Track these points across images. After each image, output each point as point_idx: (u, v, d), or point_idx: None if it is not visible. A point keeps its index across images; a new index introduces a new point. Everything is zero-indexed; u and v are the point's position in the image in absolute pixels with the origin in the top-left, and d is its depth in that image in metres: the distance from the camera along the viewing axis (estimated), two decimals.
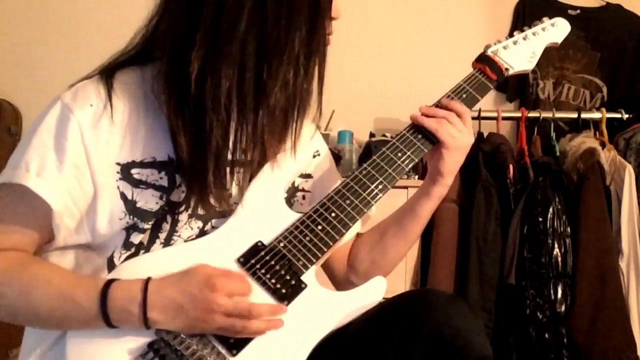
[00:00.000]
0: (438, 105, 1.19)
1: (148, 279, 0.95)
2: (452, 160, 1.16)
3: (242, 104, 1.01)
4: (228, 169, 1.05)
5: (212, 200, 1.03)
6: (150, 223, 1.03)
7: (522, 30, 1.36)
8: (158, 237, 1.04)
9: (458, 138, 1.15)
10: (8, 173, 0.99)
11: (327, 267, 1.27)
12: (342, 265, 1.27)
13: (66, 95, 1.01)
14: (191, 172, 1.02)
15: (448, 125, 1.14)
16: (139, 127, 1.03)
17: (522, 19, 2.78)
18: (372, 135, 2.59)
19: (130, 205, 1.01)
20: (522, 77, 2.73)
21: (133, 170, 1.02)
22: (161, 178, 1.03)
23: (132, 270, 0.99)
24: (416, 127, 1.18)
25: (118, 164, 1.01)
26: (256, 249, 1.05)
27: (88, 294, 0.94)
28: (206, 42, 0.98)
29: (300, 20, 1.02)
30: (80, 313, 0.94)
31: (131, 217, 1.01)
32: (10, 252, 0.98)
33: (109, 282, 0.95)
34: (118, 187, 1.01)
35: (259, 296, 1.00)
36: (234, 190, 1.09)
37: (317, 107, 1.11)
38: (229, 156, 1.04)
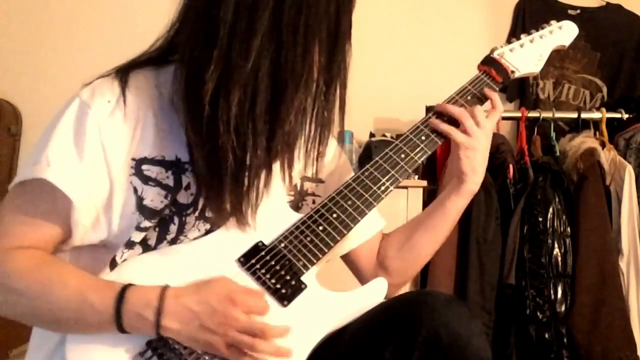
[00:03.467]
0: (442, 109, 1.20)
1: (166, 286, 0.95)
2: (470, 160, 1.17)
3: (254, 128, 0.99)
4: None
5: (228, 210, 1.03)
6: (153, 221, 1.02)
7: (529, 33, 1.35)
8: (165, 239, 1.04)
9: (472, 138, 1.15)
10: (28, 169, 0.99)
11: (352, 265, 1.29)
12: (370, 262, 1.28)
13: (84, 92, 1.02)
14: (208, 188, 1.02)
15: (463, 125, 1.16)
16: (151, 124, 1.03)
17: (522, 19, 2.78)
18: (372, 135, 2.59)
19: (139, 202, 1.01)
20: (522, 78, 2.72)
21: (144, 166, 1.02)
22: (167, 177, 1.03)
23: (134, 269, 0.99)
24: (420, 129, 1.18)
25: (133, 159, 1.01)
26: (257, 249, 1.05)
27: (104, 297, 0.94)
28: (221, 61, 0.97)
29: (319, 47, 1.00)
30: (94, 316, 0.93)
31: (137, 213, 1.01)
32: (29, 251, 0.98)
33: (126, 287, 0.95)
34: (131, 182, 1.01)
35: None
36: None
37: (338, 130, 1.10)
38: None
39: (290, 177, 1.07)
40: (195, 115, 0.99)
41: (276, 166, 1.05)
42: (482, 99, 1.23)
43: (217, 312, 0.93)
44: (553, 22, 1.37)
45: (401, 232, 1.28)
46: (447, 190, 1.23)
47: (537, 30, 1.36)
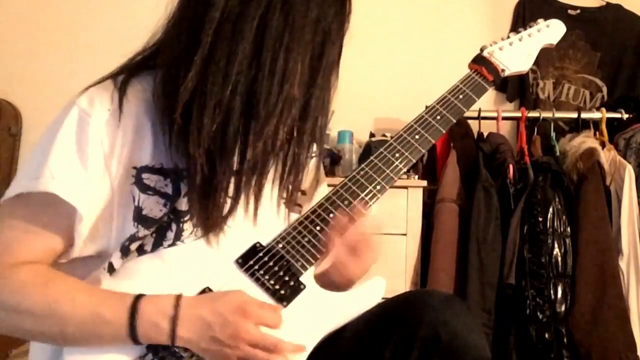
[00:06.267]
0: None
1: (180, 295, 0.94)
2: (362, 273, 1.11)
3: (224, 150, 0.97)
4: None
5: (196, 223, 1.01)
6: (150, 230, 1.00)
7: (518, 32, 1.36)
8: (162, 244, 1.02)
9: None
10: (29, 182, 0.96)
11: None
12: None
13: (82, 101, 0.99)
14: (187, 192, 1.00)
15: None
16: (150, 132, 1.01)
17: (522, 19, 2.78)
18: (372, 135, 2.59)
19: (137, 212, 1.00)
20: (522, 77, 2.73)
21: (144, 175, 1.00)
22: (166, 185, 1.01)
23: (133, 273, 0.98)
24: (414, 128, 1.19)
25: (134, 167, 0.99)
26: (254, 250, 1.04)
27: (116, 309, 0.92)
28: (197, 76, 0.95)
29: (300, 78, 0.98)
30: (106, 329, 0.92)
31: (135, 223, 0.99)
32: (33, 266, 0.96)
33: (138, 297, 0.93)
34: (131, 192, 0.99)
35: (258, 298, 0.99)
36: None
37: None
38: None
39: (256, 209, 1.03)
40: (167, 125, 0.97)
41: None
42: (473, 98, 1.23)
43: (229, 324, 0.91)
44: (541, 20, 1.39)
45: None
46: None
47: (526, 29, 1.37)
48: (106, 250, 1.01)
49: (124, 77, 1.03)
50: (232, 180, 1.00)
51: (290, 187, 1.05)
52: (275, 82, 0.96)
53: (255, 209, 1.02)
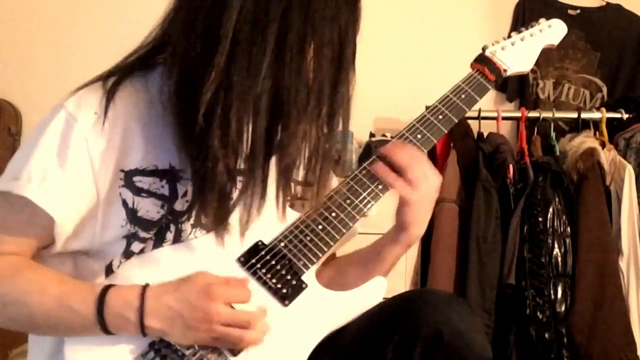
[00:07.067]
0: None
1: (146, 285, 0.94)
2: (413, 212, 1.09)
3: (252, 149, 0.96)
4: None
5: (211, 225, 1.01)
6: (151, 232, 1.00)
7: (520, 31, 1.36)
8: (162, 246, 1.02)
9: (416, 192, 1.08)
10: (9, 182, 0.97)
11: None
12: None
13: (69, 103, 0.99)
14: (194, 197, 1.00)
15: (406, 176, 1.09)
16: (141, 134, 1.00)
17: (522, 19, 2.78)
18: (372, 135, 2.59)
19: (131, 214, 0.99)
20: (522, 77, 2.73)
21: (135, 178, 0.99)
22: (162, 187, 1.01)
23: (128, 272, 0.99)
24: (415, 127, 1.19)
25: (122, 170, 0.99)
26: (256, 249, 1.04)
27: (84, 301, 0.93)
28: (221, 72, 0.93)
29: (324, 75, 0.97)
30: (76, 320, 0.93)
31: (132, 225, 0.99)
32: (8, 257, 0.97)
33: (106, 288, 0.94)
34: (120, 194, 0.99)
35: (260, 296, 1.00)
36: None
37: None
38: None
39: (284, 206, 1.03)
40: (186, 123, 0.96)
41: (271, 189, 1.02)
42: (475, 98, 1.24)
43: (196, 309, 0.92)
44: (542, 20, 1.38)
45: (332, 269, 1.19)
46: (385, 238, 1.15)
47: (528, 28, 1.37)
48: (103, 250, 1.01)
49: (115, 78, 1.02)
50: (258, 180, 0.99)
51: (317, 184, 1.04)
52: (302, 80, 0.95)
53: (284, 208, 1.03)
